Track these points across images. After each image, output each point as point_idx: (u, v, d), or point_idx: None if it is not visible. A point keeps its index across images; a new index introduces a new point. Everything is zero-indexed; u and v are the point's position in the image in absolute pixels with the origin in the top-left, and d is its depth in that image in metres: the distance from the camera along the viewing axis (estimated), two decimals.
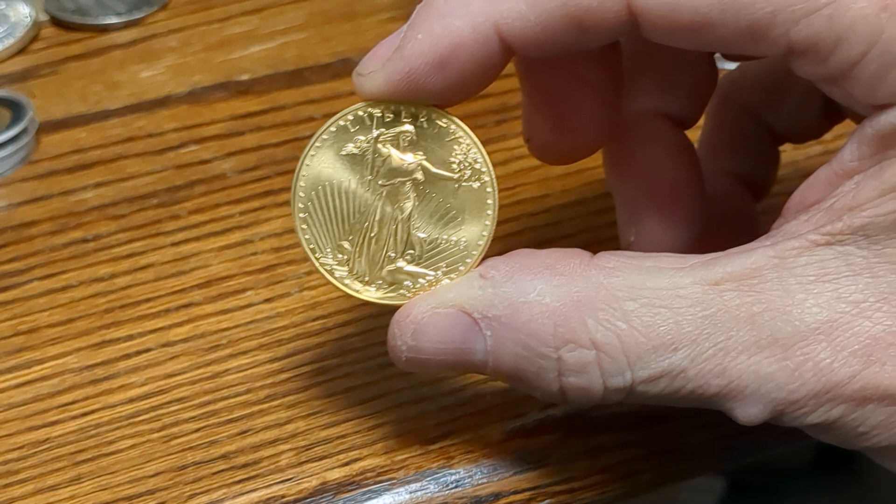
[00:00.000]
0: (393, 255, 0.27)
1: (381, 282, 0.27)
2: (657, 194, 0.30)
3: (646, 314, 0.24)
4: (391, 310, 0.27)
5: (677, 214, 0.29)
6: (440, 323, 0.26)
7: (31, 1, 0.46)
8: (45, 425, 0.31)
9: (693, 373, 0.24)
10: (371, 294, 0.27)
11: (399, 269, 0.27)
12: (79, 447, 0.30)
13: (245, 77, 0.43)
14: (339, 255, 0.27)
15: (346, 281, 0.27)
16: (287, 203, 0.37)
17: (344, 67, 0.42)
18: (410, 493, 0.29)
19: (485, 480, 0.29)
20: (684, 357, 0.24)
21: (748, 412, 0.25)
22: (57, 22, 0.46)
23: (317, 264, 0.27)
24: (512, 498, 0.29)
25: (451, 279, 0.26)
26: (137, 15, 0.46)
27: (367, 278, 0.27)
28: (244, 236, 0.36)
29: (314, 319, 0.33)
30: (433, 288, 0.26)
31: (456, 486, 0.29)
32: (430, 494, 0.29)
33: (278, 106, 0.41)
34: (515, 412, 0.30)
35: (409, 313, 0.26)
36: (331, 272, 0.27)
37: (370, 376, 0.32)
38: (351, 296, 0.27)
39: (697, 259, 0.25)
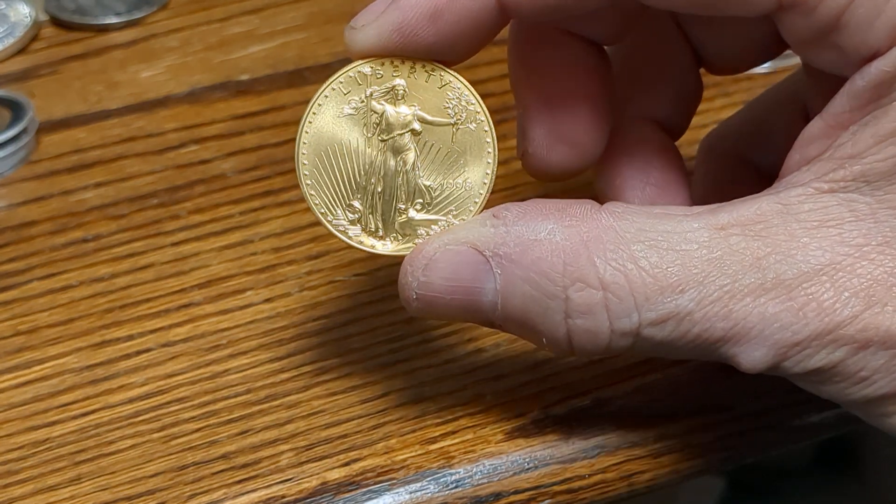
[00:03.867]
0: (403, 206, 0.27)
1: (395, 235, 0.27)
2: (644, 193, 0.30)
3: (653, 255, 0.25)
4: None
5: None
6: (451, 259, 0.26)
7: (31, 1, 0.46)
8: (45, 425, 0.31)
9: (699, 315, 0.24)
10: (388, 248, 0.27)
11: (411, 220, 0.27)
12: (79, 447, 0.30)
13: (245, 77, 0.43)
14: (351, 215, 0.27)
15: (361, 239, 0.27)
16: (287, 203, 0.37)
17: (344, 67, 0.42)
18: (410, 493, 0.29)
19: (485, 480, 0.29)
20: (690, 299, 0.24)
21: (752, 356, 0.25)
22: (57, 22, 0.46)
23: (329, 227, 0.27)
24: (512, 498, 0.29)
25: (463, 220, 0.27)
26: (137, 15, 0.46)
27: (380, 233, 0.27)
28: (244, 236, 0.36)
29: (314, 319, 0.33)
30: (446, 228, 0.27)
31: (456, 486, 0.29)
32: (430, 494, 0.29)
33: (278, 106, 0.41)
34: (515, 412, 0.30)
35: (422, 250, 0.26)
36: (345, 232, 0.27)
37: (370, 376, 0.32)
38: (368, 253, 0.27)
39: (703, 208, 0.25)
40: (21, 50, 0.45)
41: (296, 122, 0.40)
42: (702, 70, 0.32)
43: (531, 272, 0.25)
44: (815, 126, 0.26)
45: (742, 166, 0.33)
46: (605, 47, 0.30)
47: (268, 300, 0.34)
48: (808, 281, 0.24)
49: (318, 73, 0.43)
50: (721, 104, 0.40)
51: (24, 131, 0.39)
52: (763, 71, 0.40)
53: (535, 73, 0.29)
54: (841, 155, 0.25)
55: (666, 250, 0.25)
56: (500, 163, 0.27)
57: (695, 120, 0.33)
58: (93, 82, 0.43)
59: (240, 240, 0.36)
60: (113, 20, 0.45)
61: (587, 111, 0.29)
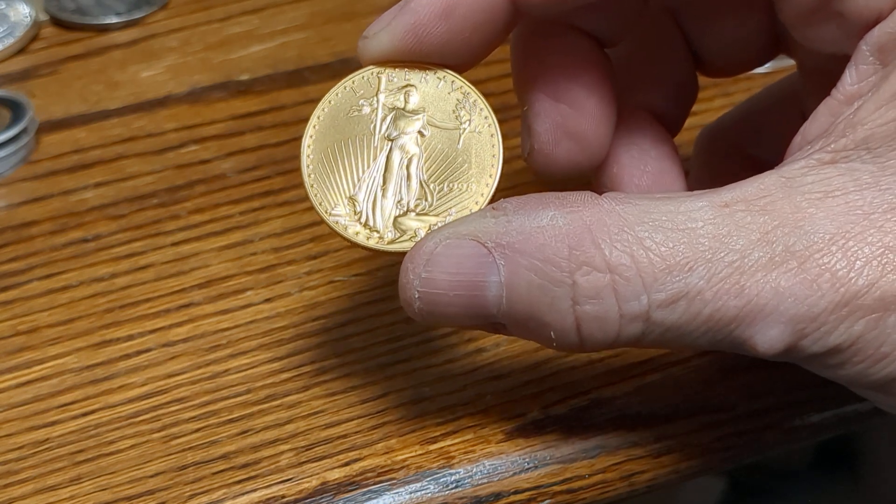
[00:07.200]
0: (403, 205, 0.27)
1: (393, 232, 0.27)
2: (641, 181, 0.30)
3: (658, 235, 0.24)
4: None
5: None
6: (453, 252, 0.25)
7: (31, 1, 0.46)
8: (45, 425, 0.31)
9: (710, 294, 0.24)
10: (384, 244, 0.27)
11: (410, 219, 0.27)
12: (79, 447, 0.30)
13: (245, 77, 0.43)
14: (350, 210, 0.27)
15: (359, 234, 0.27)
16: (287, 203, 0.37)
17: (344, 67, 0.42)
18: (410, 493, 0.29)
19: (485, 480, 0.29)
20: (700, 277, 0.24)
21: (768, 335, 0.24)
22: (57, 22, 0.46)
23: (328, 221, 0.27)
24: (512, 498, 0.29)
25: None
26: (137, 15, 0.46)
27: (379, 230, 0.27)
28: (244, 236, 0.36)
29: (314, 319, 0.33)
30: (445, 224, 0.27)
31: (456, 486, 0.29)
32: (430, 494, 0.29)
33: (278, 106, 0.41)
34: (515, 412, 0.30)
35: (423, 246, 0.25)
36: (343, 228, 0.27)
37: (370, 376, 0.32)
38: (364, 248, 0.27)
39: (705, 190, 0.25)
40: (21, 50, 0.45)
41: (296, 122, 0.41)
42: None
43: (535, 259, 0.24)
44: (821, 108, 0.26)
45: (740, 158, 0.33)
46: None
47: (268, 300, 0.34)
48: (819, 252, 0.24)
49: (318, 73, 0.43)
50: (721, 104, 0.40)
51: (24, 131, 0.39)
52: (763, 71, 0.40)
53: (540, 67, 0.29)
54: (844, 126, 0.25)
55: (671, 230, 0.24)
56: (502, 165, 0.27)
57: (694, 120, 0.33)
58: (93, 82, 0.43)
59: (240, 240, 0.36)
60: (113, 20, 0.45)
61: (593, 104, 0.29)
